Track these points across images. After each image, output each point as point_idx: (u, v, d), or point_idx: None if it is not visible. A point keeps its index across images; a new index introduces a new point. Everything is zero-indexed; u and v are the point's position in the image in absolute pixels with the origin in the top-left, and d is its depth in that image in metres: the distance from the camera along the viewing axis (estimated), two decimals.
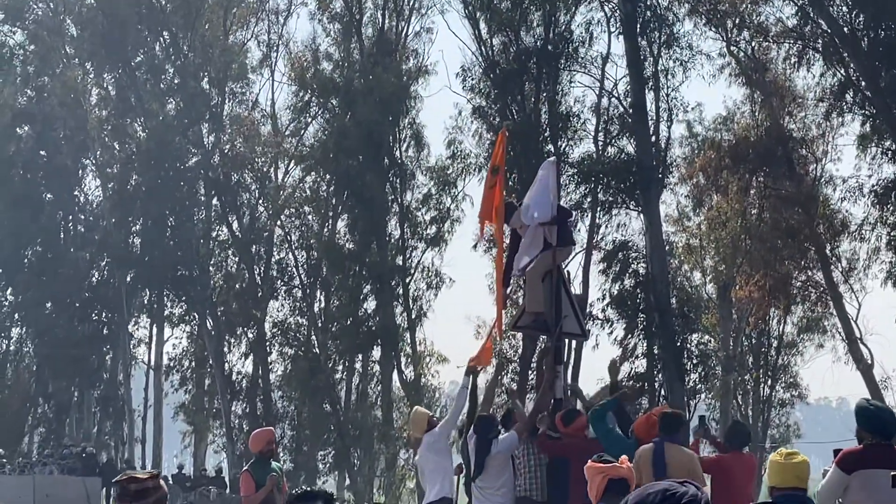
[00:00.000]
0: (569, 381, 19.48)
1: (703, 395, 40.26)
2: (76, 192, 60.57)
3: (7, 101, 59.12)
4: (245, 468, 13.62)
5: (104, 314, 57.85)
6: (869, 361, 36.92)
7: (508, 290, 15.28)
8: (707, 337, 42.49)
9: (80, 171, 60.01)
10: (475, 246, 40.36)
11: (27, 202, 57.39)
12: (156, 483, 6.06)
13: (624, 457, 7.05)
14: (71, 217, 60.78)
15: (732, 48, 40.06)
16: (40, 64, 58.12)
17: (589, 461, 6.95)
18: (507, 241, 14.48)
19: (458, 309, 51.64)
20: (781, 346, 44.43)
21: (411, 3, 48.10)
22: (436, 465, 13.26)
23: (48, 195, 60.20)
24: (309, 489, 4.46)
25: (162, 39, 51.80)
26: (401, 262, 46.03)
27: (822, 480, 9.71)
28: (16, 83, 59.39)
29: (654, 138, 38.13)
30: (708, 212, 42.53)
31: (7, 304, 63.72)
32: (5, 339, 64.17)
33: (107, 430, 58.66)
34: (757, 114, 41.55)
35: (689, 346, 39.14)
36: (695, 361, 39.00)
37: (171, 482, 44.52)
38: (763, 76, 39.97)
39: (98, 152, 54.41)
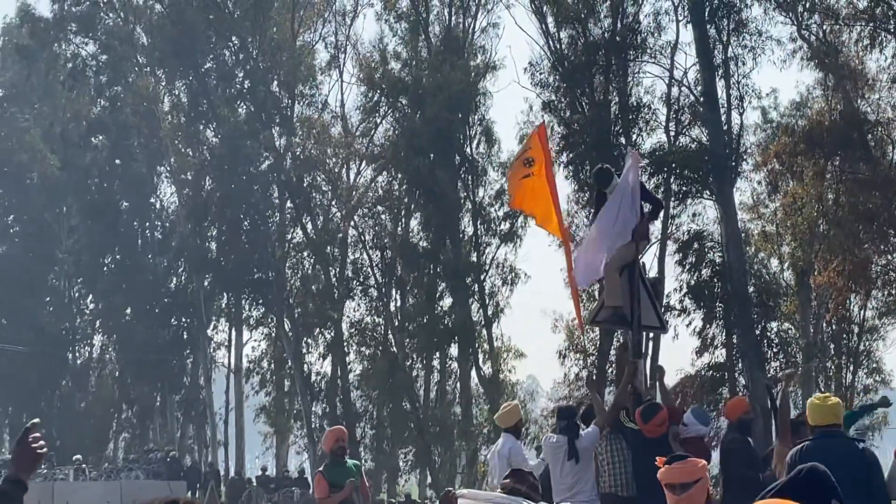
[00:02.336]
0: (647, 374, 19.33)
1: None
2: (152, 200, 61.29)
3: (81, 111, 59.99)
4: (319, 469, 13.54)
5: (183, 319, 58.45)
6: None
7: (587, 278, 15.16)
8: (787, 324, 42.10)
9: (155, 179, 60.70)
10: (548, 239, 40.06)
11: (104, 211, 58.18)
12: None
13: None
14: (147, 224, 61.49)
15: (803, 32, 39.62)
16: (112, 73, 58.86)
17: (694, 459, 6.73)
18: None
19: (535, 304, 51.52)
20: (863, 331, 43.91)
21: (478, 0, 48.07)
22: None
23: (125, 203, 61.00)
24: None
25: (231, 44, 52.17)
26: (475, 259, 46.02)
27: (890, 468, 9.70)
28: (90, 94, 60.18)
29: (726, 126, 37.81)
30: (784, 198, 42.07)
31: (88, 312, 64.70)
32: (88, 346, 65.15)
33: (190, 433, 59.30)
34: (830, 98, 41.07)
35: (768, 334, 38.79)
36: (775, 349, 38.64)
37: (254, 484, 44.93)
38: (835, 59, 39.49)
39: (172, 159, 54.89)
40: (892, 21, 36.61)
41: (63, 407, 63.07)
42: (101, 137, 60.95)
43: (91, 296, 64.37)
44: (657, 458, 6.87)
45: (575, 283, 14.71)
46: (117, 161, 60.86)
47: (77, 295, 65.86)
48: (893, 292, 40.62)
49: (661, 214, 39.27)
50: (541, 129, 14.99)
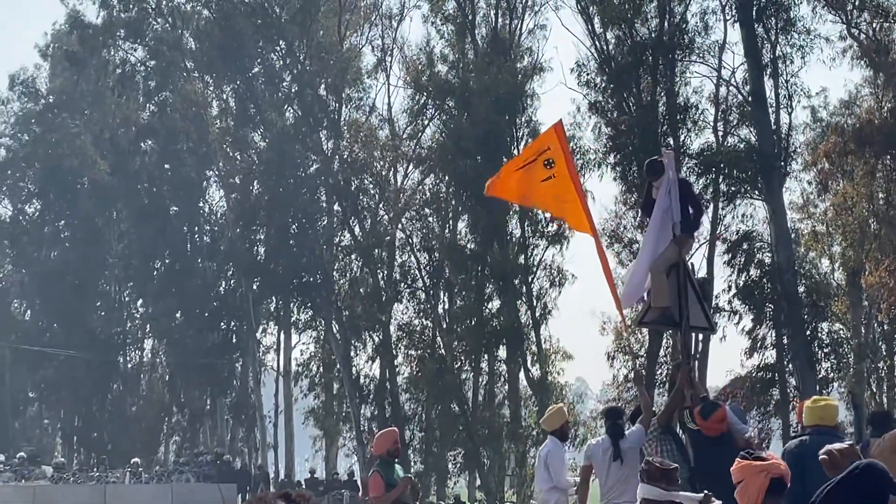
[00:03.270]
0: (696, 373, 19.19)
1: (835, 384, 39.57)
2: (201, 204, 61.62)
3: (131, 116, 60.43)
4: (374, 469, 13.52)
5: (232, 323, 58.73)
6: None
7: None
8: (838, 325, 41.75)
9: (204, 183, 61.06)
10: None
11: (154, 216, 58.57)
12: None
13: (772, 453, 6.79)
14: (196, 228, 61.84)
15: (853, 30, 39.31)
16: (161, 79, 59.25)
17: (741, 459, 6.55)
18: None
19: (583, 305, 51.31)
20: None
21: (524, 1, 47.96)
22: (545, 482, 13.24)
23: (174, 208, 61.36)
24: None
25: (278, 49, 52.37)
26: (523, 261, 45.89)
27: None
28: (139, 99, 60.63)
29: (774, 126, 37.56)
30: (834, 197, 41.75)
31: (139, 316, 65.15)
32: (138, 350, 65.62)
33: (239, 436, 59.56)
34: (880, 96, 40.73)
35: (819, 334, 38.48)
36: (826, 350, 38.32)
37: (304, 486, 45.03)
38: (885, 57, 39.14)
39: (220, 163, 55.15)
40: None
41: (114, 411, 63.57)
42: (150, 142, 61.44)
43: (141, 300, 64.83)
44: (719, 456, 6.83)
45: (616, 292, 14.53)
46: (166, 166, 61.29)
47: (127, 299, 66.34)
48: None
49: (705, 218, 39.23)
50: (557, 126, 14.59)
